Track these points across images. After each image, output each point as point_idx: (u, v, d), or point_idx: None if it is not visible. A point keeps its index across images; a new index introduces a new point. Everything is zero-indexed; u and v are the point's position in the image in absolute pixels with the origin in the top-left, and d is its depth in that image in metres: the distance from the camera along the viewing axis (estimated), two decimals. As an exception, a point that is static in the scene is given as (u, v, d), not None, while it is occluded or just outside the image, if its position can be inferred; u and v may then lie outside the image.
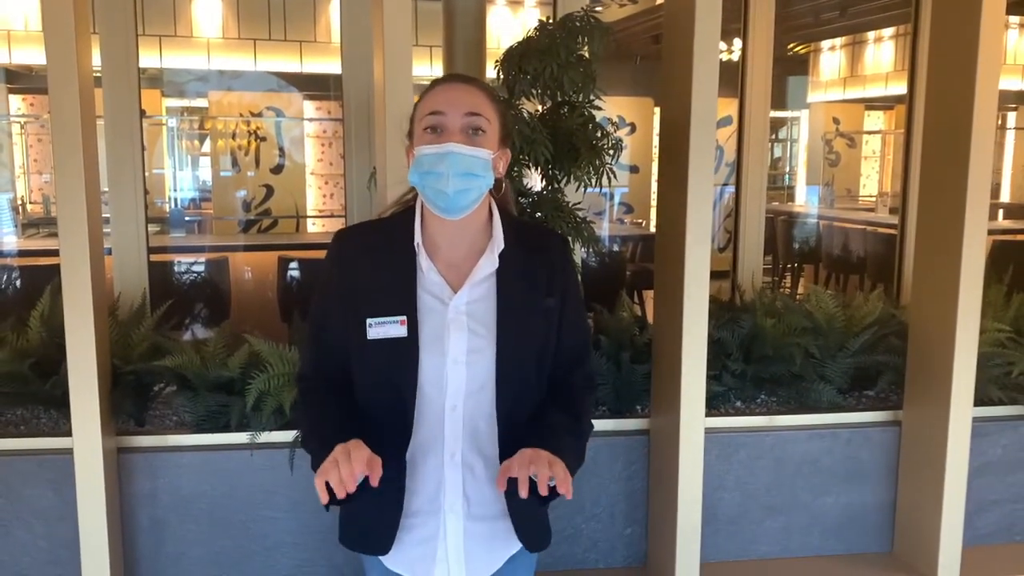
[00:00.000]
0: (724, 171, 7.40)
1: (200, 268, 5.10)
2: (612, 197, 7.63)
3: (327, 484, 1.30)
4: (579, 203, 3.05)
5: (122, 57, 3.52)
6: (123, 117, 3.54)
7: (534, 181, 3.06)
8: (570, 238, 3.00)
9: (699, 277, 2.74)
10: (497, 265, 1.49)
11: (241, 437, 2.85)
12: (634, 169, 7.68)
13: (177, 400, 2.91)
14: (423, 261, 1.49)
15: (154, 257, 3.91)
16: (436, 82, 1.49)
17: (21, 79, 8.87)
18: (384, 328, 1.45)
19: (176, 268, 5.05)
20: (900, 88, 9.18)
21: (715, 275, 2.89)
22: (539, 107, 2.97)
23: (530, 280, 1.52)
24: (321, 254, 1.58)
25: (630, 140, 7.54)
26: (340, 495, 1.30)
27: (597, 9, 2.88)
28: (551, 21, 2.88)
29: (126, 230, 3.59)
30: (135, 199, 3.59)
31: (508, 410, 1.49)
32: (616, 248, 6.65)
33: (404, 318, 1.45)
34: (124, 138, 3.55)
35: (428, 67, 7.36)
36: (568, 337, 1.57)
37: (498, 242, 1.50)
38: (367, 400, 1.53)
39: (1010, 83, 8.85)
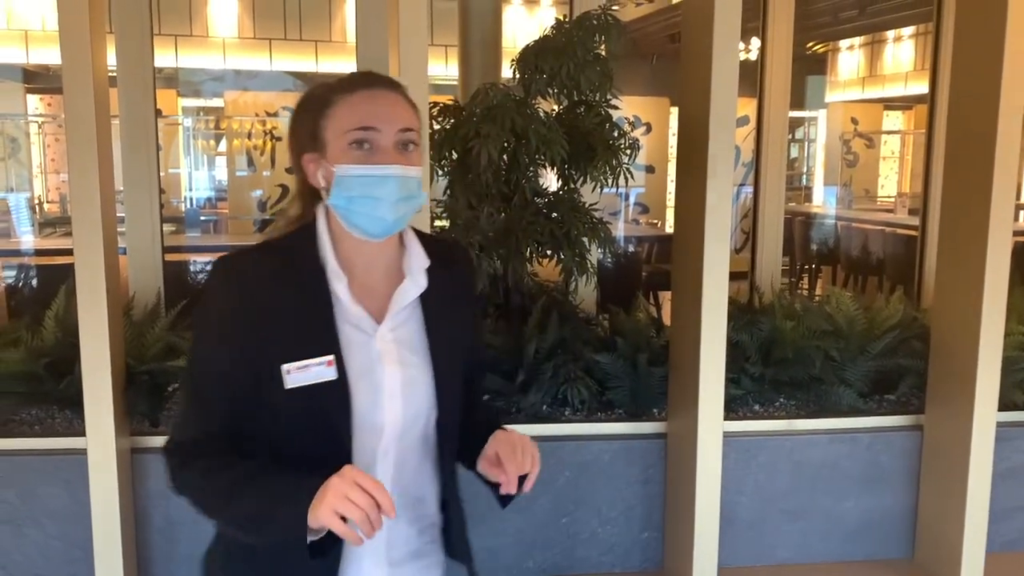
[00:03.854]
0: (741, 171, 7.35)
1: (215, 268, 5.09)
2: (627, 197, 7.59)
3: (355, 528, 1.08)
4: (595, 203, 3.02)
5: (137, 57, 3.53)
6: (138, 117, 3.54)
7: (550, 181, 3.03)
8: (586, 239, 2.98)
9: (718, 278, 2.71)
10: (425, 287, 1.32)
11: (255, 438, 2.83)
12: (650, 169, 7.64)
13: (191, 400, 2.90)
14: (340, 290, 1.26)
15: (169, 257, 3.90)
16: (355, 84, 1.27)
17: (39, 79, 8.94)
18: (306, 373, 1.22)
19: (191, 268, 5.06)
20: (920, 88, 9.10)
21: (732, 276, 2.85)
22: (555, 106, 2.95)
23: (450, 296, 1.37)
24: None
25: (646, 140, 7.50)
26: (371, 531, 1.08)
27: (613, 8, 2.85)
28: (568, 20, 2.86)
29: (141, 230, 3.59)
30: (150, 199, 3.59)
31: (443, 439, 1.35)
32: (632, 249, 6.61)
33: (331, 358, 1.24)
34: (139, 138, 3.54)
35: (444, 66, 7.35)
36: (477, 353, 1.50)
37: (419, 260, 1.32)
38: (281, 458, 1.25)
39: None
